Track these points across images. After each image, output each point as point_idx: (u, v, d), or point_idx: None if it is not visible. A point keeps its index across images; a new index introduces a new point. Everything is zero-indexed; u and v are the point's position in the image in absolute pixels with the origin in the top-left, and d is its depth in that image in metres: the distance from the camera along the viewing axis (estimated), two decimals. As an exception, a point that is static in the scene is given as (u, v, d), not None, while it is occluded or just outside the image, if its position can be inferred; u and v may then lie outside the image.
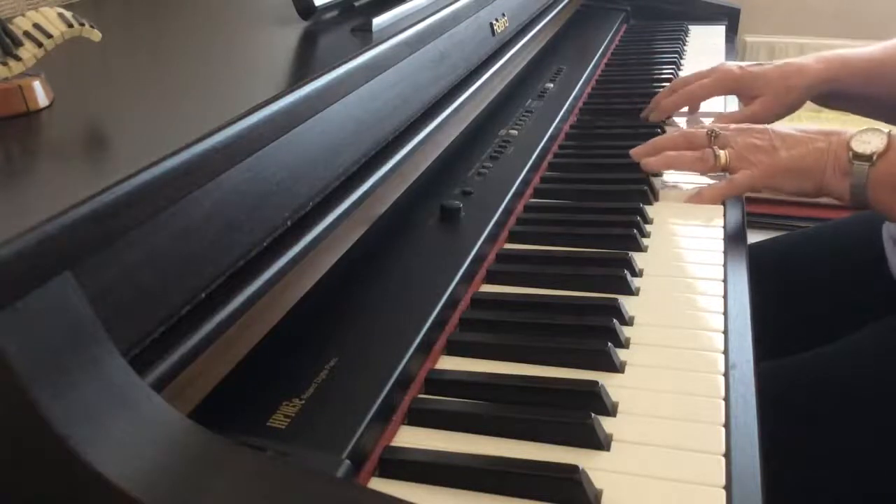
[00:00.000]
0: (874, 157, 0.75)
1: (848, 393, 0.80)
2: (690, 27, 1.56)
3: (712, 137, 0.85)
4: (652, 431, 0.51)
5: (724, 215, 0.80)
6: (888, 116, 1.01)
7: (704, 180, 0.87)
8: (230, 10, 0.88)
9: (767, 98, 0.98)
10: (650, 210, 0.81)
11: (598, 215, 0.79)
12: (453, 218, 0.73)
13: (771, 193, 0.86)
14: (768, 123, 0.89)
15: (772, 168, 0.81)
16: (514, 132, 0.95)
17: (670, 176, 0.90)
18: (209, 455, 0.37)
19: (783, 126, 0.85)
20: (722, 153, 0.84)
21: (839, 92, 0.99)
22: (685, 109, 1.06)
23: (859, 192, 0.76)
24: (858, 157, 0.76)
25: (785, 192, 0.82)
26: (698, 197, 0.84)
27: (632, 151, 0.89)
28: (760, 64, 1.02)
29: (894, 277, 0.92)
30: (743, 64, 1.03)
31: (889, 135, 0.75)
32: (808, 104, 1.03)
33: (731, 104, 1.11)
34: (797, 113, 1.03)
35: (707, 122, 1.00)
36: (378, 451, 0.48)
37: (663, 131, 1.00)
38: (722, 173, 0.85)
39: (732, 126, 0.87)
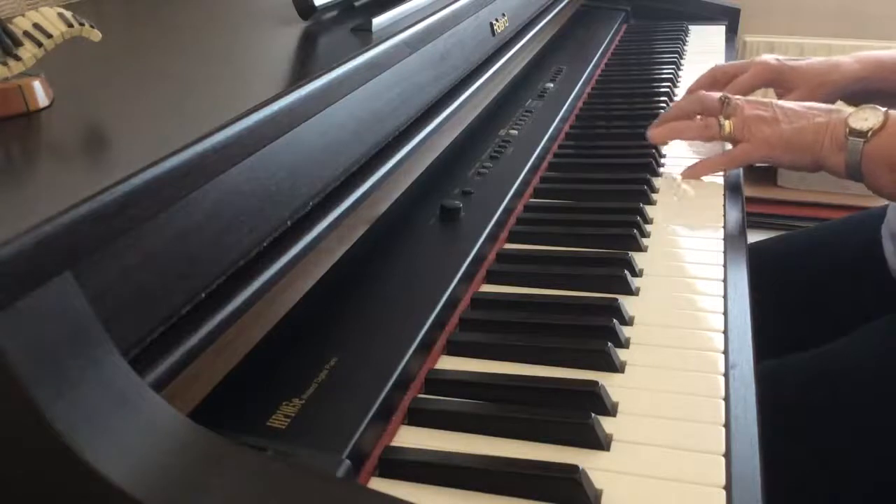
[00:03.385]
0: (869, 134, 0.77)
1: (848, 392, 0.80)
2: (690, 27, 1.56)
3: (724, 104, 0.87)
4: (652, 431, 0.51)
5: (724, 215, 0.80)
6: None
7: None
8: (230, 10, 0.88)
9: (801, 92, 1.00)
10: (650, 210, 0.81)
11: (598, 215, 0.79)
12: (453, 218, 0.73)
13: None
14: None
15: (772, 140, 0.83)
16: (514, 132, 0.95)
17: (673, 152, 0.93)
18: (209, 455, 0.37)
19: (787, 102, 0.87)
20: (727, 123, 0.86)
21: (872, 91, 1.00)
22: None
23: (853, 167, 0.78)
24: (854, 132, 0.78)
25: (783, 164, 0.84)
26: (695, 170, 0.87)
27: (648, 131, 0.92)
28: (797, 59, 1.04)
29: (892, 277, 0.92)
30: (780, 57, 1.05)
31: (886, 113, 0.77)
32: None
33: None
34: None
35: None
36: (378, 450, 0.48)
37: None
38: (726, 142, 0.88)
39: (741, 97, 0.88)
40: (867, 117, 0.78)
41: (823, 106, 0.84)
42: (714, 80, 1.06)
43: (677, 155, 0.95)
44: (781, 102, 0.86)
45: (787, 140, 0.82)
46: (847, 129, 0.78)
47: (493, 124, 0.97)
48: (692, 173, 0.87)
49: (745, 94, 1.04)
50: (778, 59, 1.03)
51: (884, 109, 0.78)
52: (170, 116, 0.52)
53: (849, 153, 0.78)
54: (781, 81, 1.02)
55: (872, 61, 1.00)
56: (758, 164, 0.87)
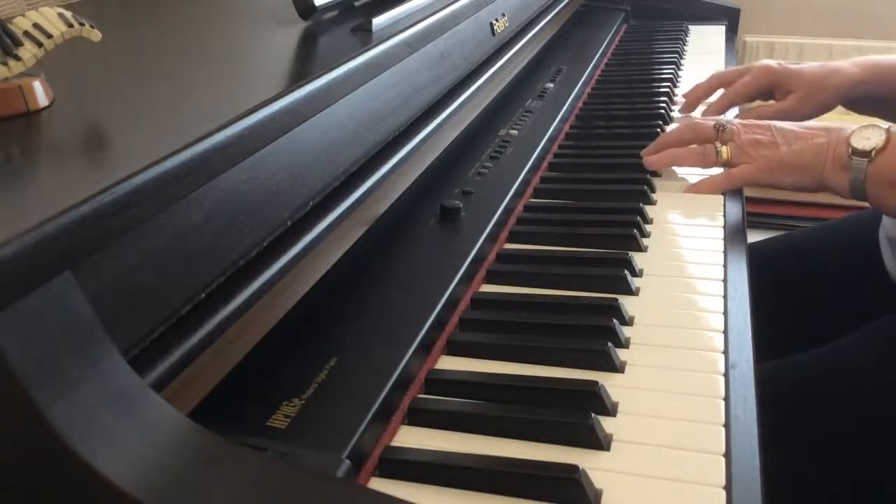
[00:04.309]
0: (873, 154, 0.76)
1: (847, 392, 0.80)
2: (690, 27, 1.56)
3: (719, 130, 0.85)
4: (652, 431, 0.51)
5: (724, 215, 0.80)
6: None
7: (706, 172, 0.88)
8: (230, 10, 0.88)
9: (800, 95, 0.99)
10: (650, 210, 0.81)
11: (598, 215, 0.79)
12: (453, 218, 0.73)
13: (771, 193, 0.86)
14: (799, 121, 0.90)
15: (772, 163, 0.82)
16: (514, 132, 0.95)
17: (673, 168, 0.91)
18: (209, 455, 0.37)
19: (785, 122, 0.86)
20: (724, 149, 0.84)
21: (872, 96, 1.00)
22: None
23: (858, 187, 0.77)
24: (857, 153, 0.76)
25: (784, 187, 0.83)
26: (697, 187, 0.86)
27: (642, 152, 0.90)
28: (797, 63, 1.04)
29: (891, 279, 0.92)
30: (781, 61, 1.04)
31: (888, 131, 0.76)
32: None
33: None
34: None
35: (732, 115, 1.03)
36: (378, 451, 0.48)
37: (663, 131, 1.00)
38: (723, 168, 0.86)
39: (736, 121, 0.87)
40: (869, 136, 0.76)
41: (822, 125, 0.83)
42: (711, 88, 1.06)
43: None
44: (779, 124, 0.85)
45: (786, 163, 0.80)
46: (849, 149, 0.76)
47: (493, 124, 0.97)
48: (694, 190, 0.86)
49: (745, 98, 1.04)
50: (778, 63, 1.03)
51: (885, 126, 0.76)
52: (170, 116, 0.52)
53: (852, 173, 0.76)
54: (781, 85, 1.01)
55: (872, 65, 0.99)
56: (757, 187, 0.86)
